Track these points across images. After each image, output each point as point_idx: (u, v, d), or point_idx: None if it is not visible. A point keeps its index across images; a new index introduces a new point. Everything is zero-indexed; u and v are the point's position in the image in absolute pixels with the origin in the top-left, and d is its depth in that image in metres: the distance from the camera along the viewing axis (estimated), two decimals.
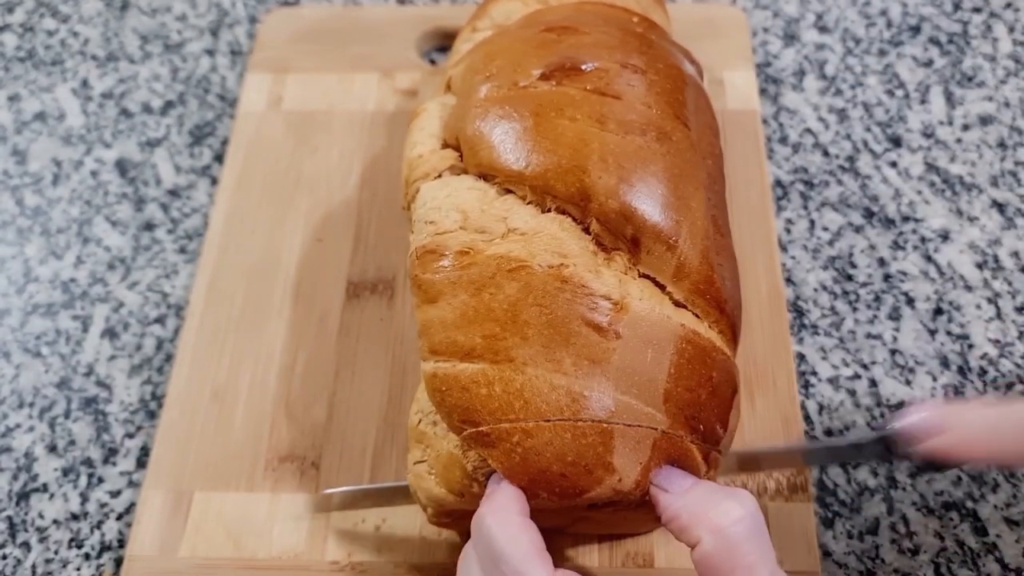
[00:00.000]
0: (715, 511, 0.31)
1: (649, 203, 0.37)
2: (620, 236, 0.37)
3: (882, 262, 0.52)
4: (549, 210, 0.38)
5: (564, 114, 0.38)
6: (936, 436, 0.35)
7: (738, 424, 0.37)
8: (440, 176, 0.41)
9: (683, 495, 0.33)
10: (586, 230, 0.37)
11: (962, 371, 0.48)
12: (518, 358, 0.34)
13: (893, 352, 0.49)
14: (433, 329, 0.36)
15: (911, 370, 0.48)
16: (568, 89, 0.39)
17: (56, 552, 0.45)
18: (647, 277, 0.37)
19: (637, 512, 0.37)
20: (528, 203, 0.38)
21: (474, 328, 0.35)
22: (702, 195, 0.38)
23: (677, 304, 0.37)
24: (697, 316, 0.37)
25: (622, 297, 0.35)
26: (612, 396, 0.34)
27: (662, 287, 0.37)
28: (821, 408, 0.47)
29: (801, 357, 0.49)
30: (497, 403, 0.34)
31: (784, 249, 0.52)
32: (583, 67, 0.40)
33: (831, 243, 0.52)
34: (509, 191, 0.39)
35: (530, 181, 0.38)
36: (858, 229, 0.53)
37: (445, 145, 0.43)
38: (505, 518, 0.33)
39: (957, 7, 0.62)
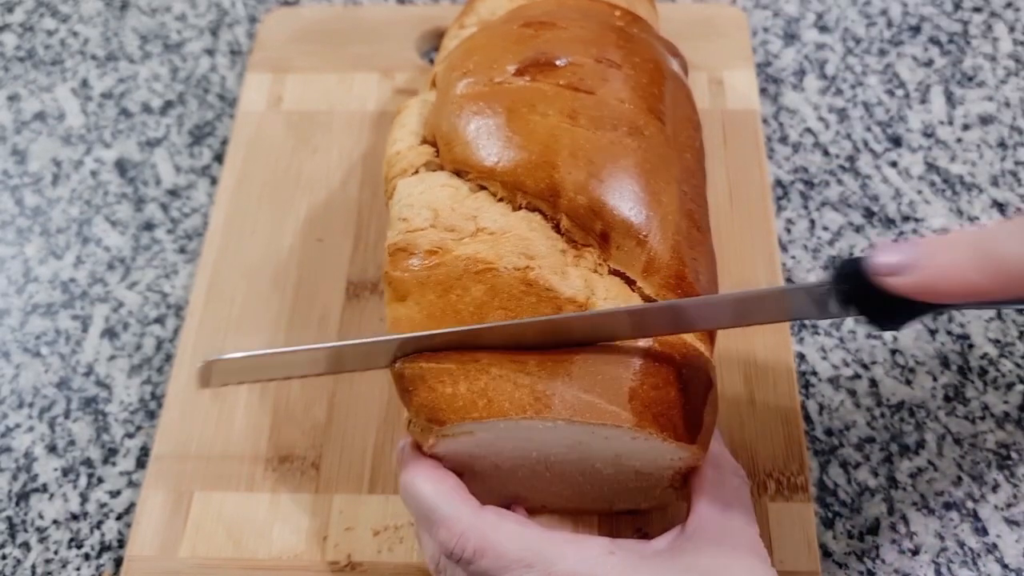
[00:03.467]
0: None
1: (618, 198, 0.37)
2: (590, 232, 0.37)
3: None
4: (520, 207, 0.38)
5: (536, 110, 0.39)
6: (911, 270, 0.30)
7: (716, 420, 0.38)
8: (417, 172, 0.41)
9: None
10: (556, 227, 0.37)
11: (962, 371, 0.48)
12: (483, 358, 0.35)
13: (893, 352, 0.49)
14: (401, 327, 0.36)
15: (911, 370, 0.48)
16: (541, 85, 0.40)
17: (56, 552, 0.45)
18: (617, 273, 0.37)
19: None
20: (499, 200, 0.38)
21: (438, 327, 0.35)
22: (674, 189, 0.38)
23: (647, 299, 0.37)
24: None
25: (587, 298, 0.36)
26: (575, 395, 0.34)
27: (632, 282, 0.37)
28: (821, 408, 0.47)
29: (801, 357, 0.49)
30: (461, 402, 0.34)
31: (784, 249, 0.52)
32: (557, 62, 0.40)
33: (831, 243, 0.52)
34: (482, 187, 0.39)
35: (501, 177, 0.38)
36: (858, 229, 0.53)
37: (424, 141, 0.43)
38: (420, 474, 0.36)
39: (957, 7, 0.62)
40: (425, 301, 0.36)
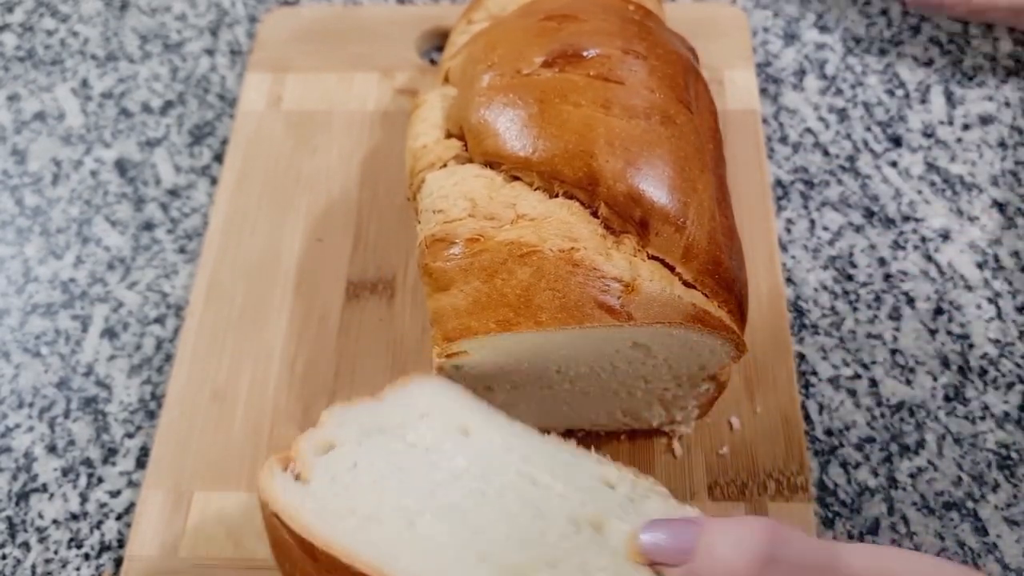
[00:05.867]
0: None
1: (656, 186, 0.37)
2: (629, 219, 0.37)
3: (882, 262, 0.51)
4: (557, 195, 0.38)
5: (568, 100, 0.39)
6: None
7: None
8: (445, 165, 0.41)
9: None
10: (594, 214, 0.38)
11: (962, 371, 0.48)
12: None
13: (893, 352, 0.49)
14: (446, 316, 0.36)
15: (911, 370, 0.48)
16: (571, 75, 0.40)
17: (56, 552, 0.45)
18: (656, 259, 0.37)
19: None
20: (535, 189, 0.38)
21: (487, 314, 0.35)
22: (707, 177, 0.39)
23: (687, 284, 0.37)
24: (706, 296, 0.37)
25: (633, 278, 0.36)
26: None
27: (671, 268, 0.37)
28: (821, 408, 0.47)
29: (801, 357, 0.49)
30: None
31: (784, 249, 0.52)
32: (585, 54, 0.40)
33: (831, 243, 0.52)
34: (516, 178, 0.39)
35: (537, 167, 0.38)
36: (858, 229, 0.53)
37: (448, 135, 0.43)
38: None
39: None
40: (469, 288, 0.36)
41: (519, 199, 0.38)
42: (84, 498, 0.46)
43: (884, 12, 0.62)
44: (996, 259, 0.51)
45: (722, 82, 0.57)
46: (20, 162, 0.58)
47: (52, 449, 0.48)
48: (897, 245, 0.52)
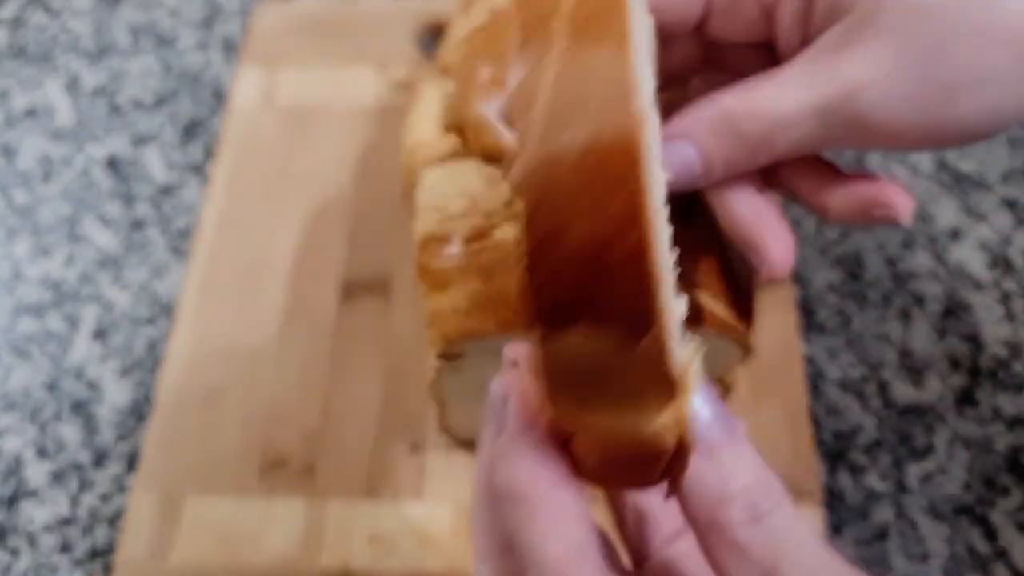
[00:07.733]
0: None
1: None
2: None
3: (891, 261, 0.50)
4: None
5: None
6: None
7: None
8: (443, 161, 0.40)
9: None
10: None
11: (972, 373, 0.47)
12: None
13: (902, 353, 0.48)
14: (443, 317, 0.35)
15: (920, 371, 0.47)
16: None
17: (47, 557, 0.44)
18: None
19: None
20: None
21: (487, 315, 0.34)
22: None
23: (693, 284, 0.36)
24: (713, 296, 0.36)
25: None
26: None
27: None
28: (828, 411, 0.46)
29: (809, 359, 0.48)
30: None
31: None
32: None
33: (839, 242, 0.51)
34: None
35: None
36: (867, 228, 0.52)
37: (446, 130, 0.42)
38: (535, 492, 0.22)
39: None
40: (469, 288, 0.35)
41: None
42: (75, 502, 0.45)
43: None
44: (1006, 258, 0.50)
45: None
46: (9, 159, 0.57)
47: (42, 452, 0.47)
48: (906, 244, 0.51)
